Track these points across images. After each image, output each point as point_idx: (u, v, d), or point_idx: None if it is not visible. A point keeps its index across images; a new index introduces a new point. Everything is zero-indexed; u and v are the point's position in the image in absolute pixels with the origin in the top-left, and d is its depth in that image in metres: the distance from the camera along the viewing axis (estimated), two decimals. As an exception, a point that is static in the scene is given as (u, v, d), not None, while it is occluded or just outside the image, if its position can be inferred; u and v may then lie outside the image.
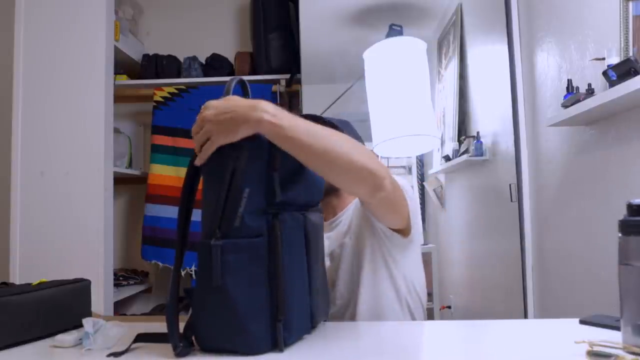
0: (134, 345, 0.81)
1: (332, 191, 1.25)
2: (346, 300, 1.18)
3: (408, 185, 1.13)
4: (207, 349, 0.79)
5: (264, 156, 0.79)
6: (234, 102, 0.78)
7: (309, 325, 0.86)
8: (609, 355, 0.69)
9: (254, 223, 0.77)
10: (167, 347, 0.78)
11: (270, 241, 0.77)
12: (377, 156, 0.97)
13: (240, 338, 0.76)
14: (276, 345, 0.77)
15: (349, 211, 1.24)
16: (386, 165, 0.96)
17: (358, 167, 0.85)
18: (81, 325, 0.85)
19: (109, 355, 0.78)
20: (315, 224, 0.88)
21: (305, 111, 2.41)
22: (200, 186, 0.84)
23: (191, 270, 2.50)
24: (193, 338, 0.79)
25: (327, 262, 1.19)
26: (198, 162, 0.80)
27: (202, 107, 0.80)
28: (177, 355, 0.76)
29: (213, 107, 0.78)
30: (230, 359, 0.75)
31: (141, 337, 0.83)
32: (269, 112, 0.76)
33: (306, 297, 0.84)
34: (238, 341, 0.76)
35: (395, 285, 1.15)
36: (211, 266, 0.75)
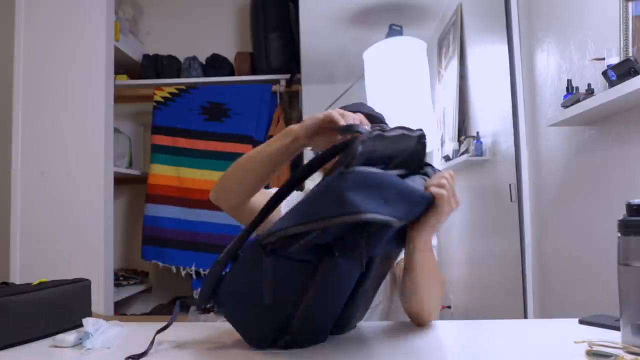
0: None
1: None
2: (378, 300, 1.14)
3: None
4: (225, 317, 0.80)
5: None
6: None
7: (324, 337, 0.86)
8: (608, 355, 0.69)
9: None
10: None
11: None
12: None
13: (250, 332, 0.80)
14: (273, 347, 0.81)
15: None
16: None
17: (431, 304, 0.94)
18: (81, 325, 0.85)
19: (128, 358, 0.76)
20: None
21: (305, 112, 2.41)
22: None
23: (191, 270, 2.50)
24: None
25: None
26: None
27: (448, 176, 0.89)
28: (200, 311, 0.78)
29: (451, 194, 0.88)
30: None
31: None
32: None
33: (334, 312, 0.84)
34: (247, 333, 0.81)
35: None
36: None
